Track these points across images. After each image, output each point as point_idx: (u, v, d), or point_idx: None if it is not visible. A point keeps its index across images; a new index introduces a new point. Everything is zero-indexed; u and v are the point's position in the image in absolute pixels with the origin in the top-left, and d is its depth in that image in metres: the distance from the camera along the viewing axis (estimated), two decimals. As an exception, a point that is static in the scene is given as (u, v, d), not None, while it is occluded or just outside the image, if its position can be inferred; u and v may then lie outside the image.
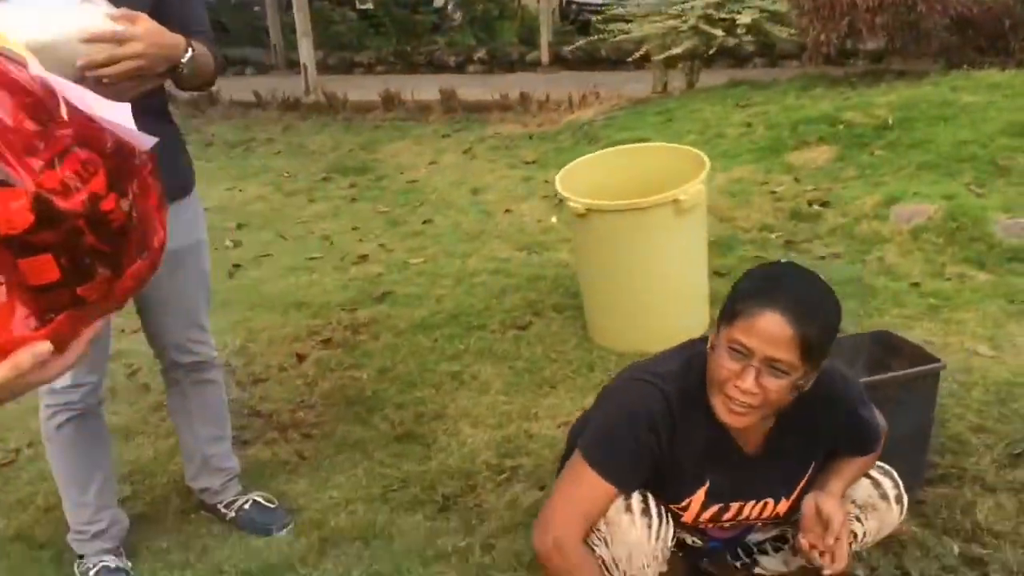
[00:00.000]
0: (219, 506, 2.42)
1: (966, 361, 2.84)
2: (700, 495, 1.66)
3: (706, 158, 3.12)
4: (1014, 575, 1.97)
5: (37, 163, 0.69)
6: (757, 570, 1.92)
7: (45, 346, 0.74)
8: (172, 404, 2.40)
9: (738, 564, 1.95)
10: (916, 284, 3.42)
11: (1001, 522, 2.12)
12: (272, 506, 2.44)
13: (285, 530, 2.37)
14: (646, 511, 1.62)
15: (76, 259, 0.73)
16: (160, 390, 2.87)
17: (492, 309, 3.63)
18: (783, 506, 1.71)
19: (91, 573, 2.20)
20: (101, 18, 1.50)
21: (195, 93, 1.97)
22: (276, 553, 2.28)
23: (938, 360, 2.21)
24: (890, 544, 2.08)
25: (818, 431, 1.66)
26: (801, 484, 1.70)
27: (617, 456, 1.59)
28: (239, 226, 5.10)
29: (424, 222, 4.95)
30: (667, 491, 1.65)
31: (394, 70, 10.59)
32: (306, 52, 8.97)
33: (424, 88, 8.25)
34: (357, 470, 2.64)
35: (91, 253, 0.74)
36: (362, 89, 8.69)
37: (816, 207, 4.17)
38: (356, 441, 2.79)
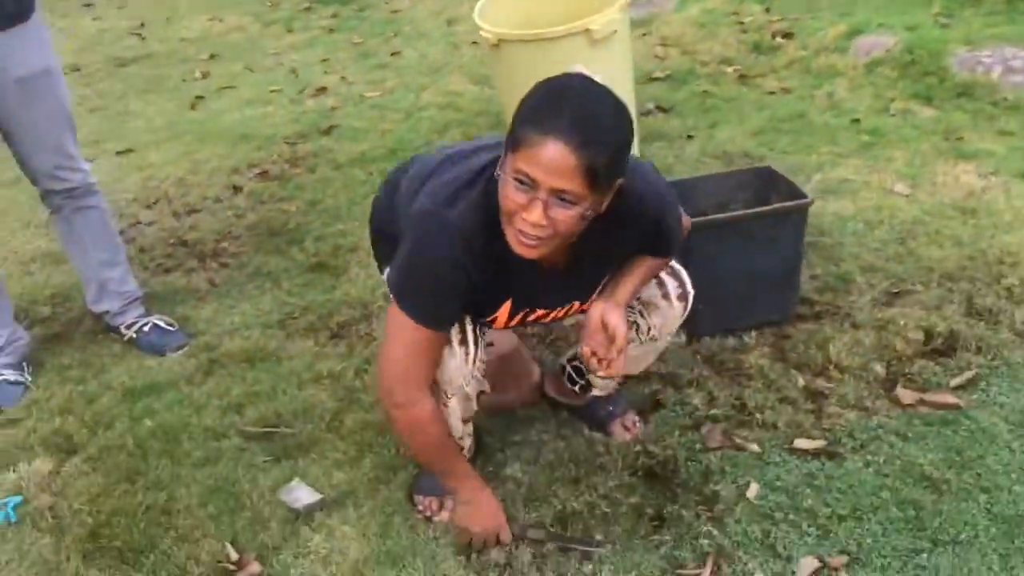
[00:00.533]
0: (121, 327, 2.54)
1: (879, 200, 2.78)
2: (505, 308, 1.67)
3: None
4: (850, 407, 2.01)
5: None
6: (593, 392, 1.99)
7: None
8: (60, 231, 2.49)
9: (576, 388, 2.02)
10: (856, 120, 3.31)
11: (853, 357, 2.14)
12: (171, 329, 2.55)
13: (180, 352, 2.49)
14: (463, 341, 1.67)
15: None
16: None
17: (432, 144, 3.62)
18: (588, 303, 1.71)
19: (-9, 384, 2.36)
20: None
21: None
22: (165, 372, 2.40)
23: (806, 197, 2.17)
24: (736, 376, 2.13)
25: (619, 243, 1.65)
26: (600, 286, 1.71)
27: (430, 300, 1.58)
28: (211, 57, 5.08)
29: (392, 54, 4.88)
30: (474, 309, 1.66)
31: None
32: None
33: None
34: (264, 298, 2.73)
35: None
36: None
37: (779, 39, 3.99)
38: (269, 272, 2.88)
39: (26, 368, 2.43)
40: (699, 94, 3.70)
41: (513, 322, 1.72)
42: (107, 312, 2.54)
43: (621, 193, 1.48)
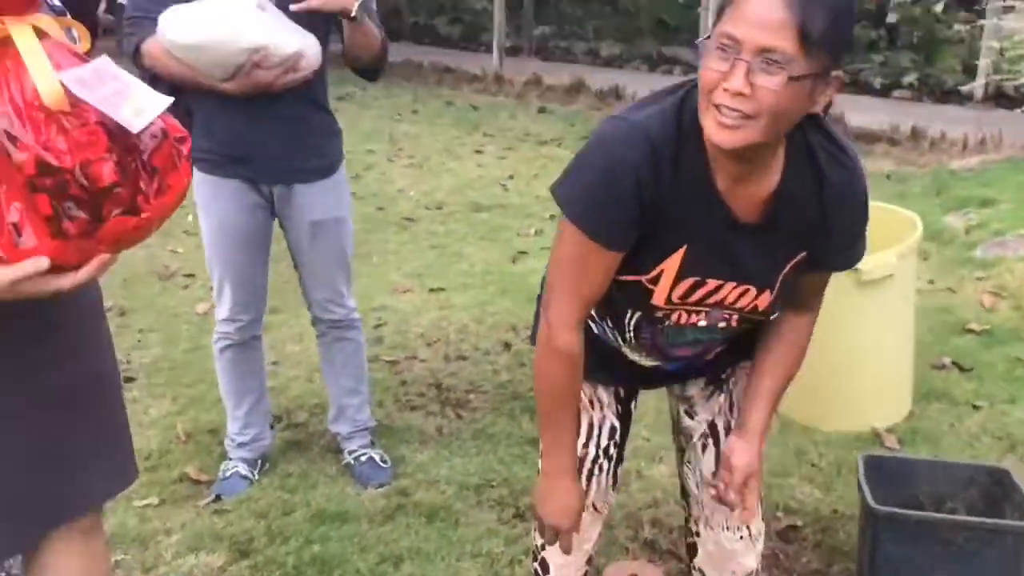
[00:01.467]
0: (345, 451, 2.82)
1: None
2: (675, 260, 1.43)
3: (919, 225, 2.78)
4: None
5: (49, 130, 1.08)
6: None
7: (44, 261, 1.09)
8: (321, 353, 2.83)
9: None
10: None
11: None
12: (384, 466, 2.77)
13: (379, 489, 2.69)
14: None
15: (62, 202, 1.10)
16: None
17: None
18: (764, 299, 1.48)
19: (227, 473, 2.72)
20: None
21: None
22: (357, 504, 2.61)
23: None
24: None
25: (819, 213, 1.43)
26: (783, 276, 1.48)
27: (601, 209, 1.38)
28: (550, 216, 5.49)
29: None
30: (641, 256, 1.44)
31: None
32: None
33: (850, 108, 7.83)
34: (477, 458, 2.86)
35: (74, 200, 1.11)
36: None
37: None
38: (493, 434, 3.01)
39: (259, 466, 2.77)
40: (1012, 360, 3.27)
41: (678, 291, 1.47)
42: (339, 434, 2.84)
43: (847, 156, 1.42)
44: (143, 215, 1.17)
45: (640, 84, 8.93)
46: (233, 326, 2.60)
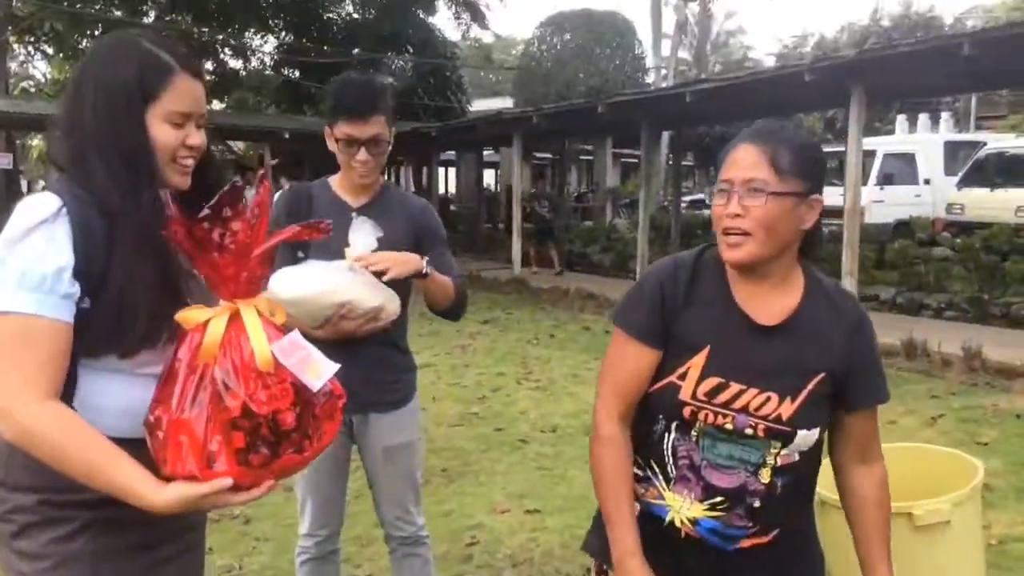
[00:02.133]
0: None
1: None
2: (701, 358, 1.69)
3: (980, 472, 2.79)
4: None
5: (255, 385, 1.49)
6: None
7: (227, 481, 1.42)
8: (392, 565, 3.03)
9: None
10: None
11: None
12: None
13: None
14: None
15: (253, 440, 1.49)
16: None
17: None
18: (786, 408, 1.66)
19: None
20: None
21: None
22: None
23: None
24: None
25: (833, 330, 1.69)
26: (806, 392, 1.67)
27: (634, 308, 1.76)
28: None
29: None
30: (669, 359, 1.72)
31: (964, 317, 9.99)
32: (848, 288, 9.15)
33: (995, 343, 7.82)
34: None
35: (261, 439, 1.50)
36: (894, 333, 8.51)
37: None
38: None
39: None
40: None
41: (703, 387, 1.69)
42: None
43: (839, 290, 1.76)
44: (305, 454, 1.51)
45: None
46: (312, 540, 2.87)
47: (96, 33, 19.94)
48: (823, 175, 1.71)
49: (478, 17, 25.76)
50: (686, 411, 1.71)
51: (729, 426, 1.69)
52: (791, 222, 1.63)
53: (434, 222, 2.82)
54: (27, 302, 1.42)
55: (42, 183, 23.59)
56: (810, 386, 1.68)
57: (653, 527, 1.79)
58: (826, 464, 3.21)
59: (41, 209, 1.47)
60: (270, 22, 24.48)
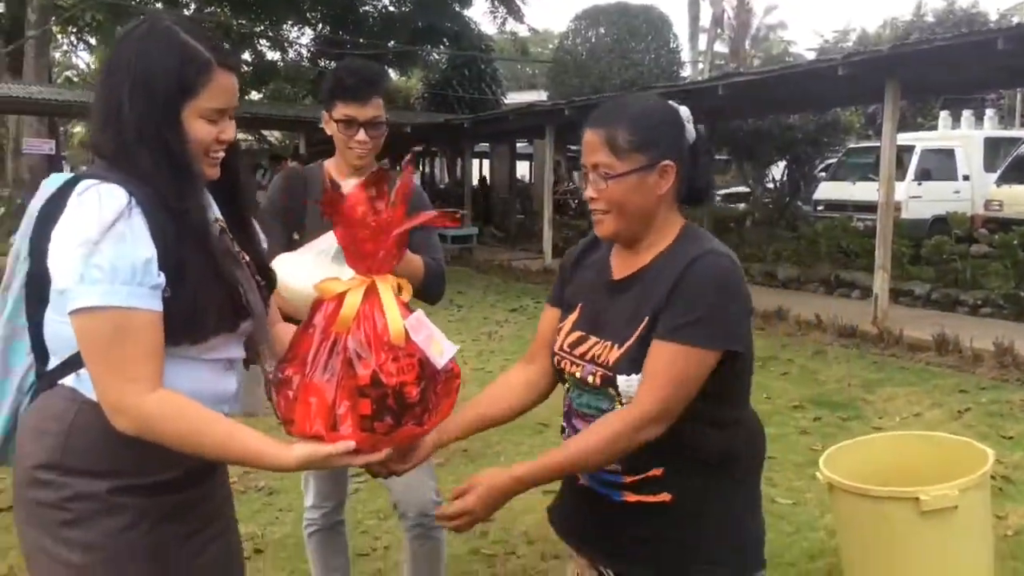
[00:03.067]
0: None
1: None
2: (575, 314, 1.87)
3: (990, 459, 2.77)
4: None
5: (386, 356, 1.57)
6: None
7: (350, 444, 1.48)
8: (406, 546, 2.92)
9: None
10: None
11: None
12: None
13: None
14: None
15: (378, 408, 1.56)
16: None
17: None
18: (613, 354, 1.73)
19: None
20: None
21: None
22: None
23: None
24: None
25: (669, 276, 1.70)
26: (633, 338, 1.70)
27: (555, 283, 2.00)
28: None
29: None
30: (562, 318, 1.91)
31: (1000, 315, 9.84)
32: (880, 283, 9.08)
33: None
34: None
35: (387, 409, 1.57)
36: (927, 328, 8.42)
37: None
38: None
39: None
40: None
41: (569, 339, 1.85)
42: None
43: (699, 241, 1.76)
44: (424, 427, 1.59)
45: (809, 306, 9.03)
46: (318, 512, 2.92)
47: (137, 23, 20.22)
48: (670, 137, 1.76)
49: (514, 11, 25.78)
50: (557, 362, 1.86)
51: (579, 375, 1.80)
52: (642, 194, 1.73)
53: (422, 202, 2.77)
54: (123, 295, 1.41)
55: (83, 168, 23.97)
56: (637, 331, 1.71)
57: (568, 482, 1.91)
58: (840, 447, 3.23)
59: (114, 200, 1.45)
60: (308, 15, 24.68)
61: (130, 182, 1.49)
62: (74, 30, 22.41)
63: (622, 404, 1.72)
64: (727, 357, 1.72)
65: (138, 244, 1.44)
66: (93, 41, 23.93)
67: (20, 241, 1.58)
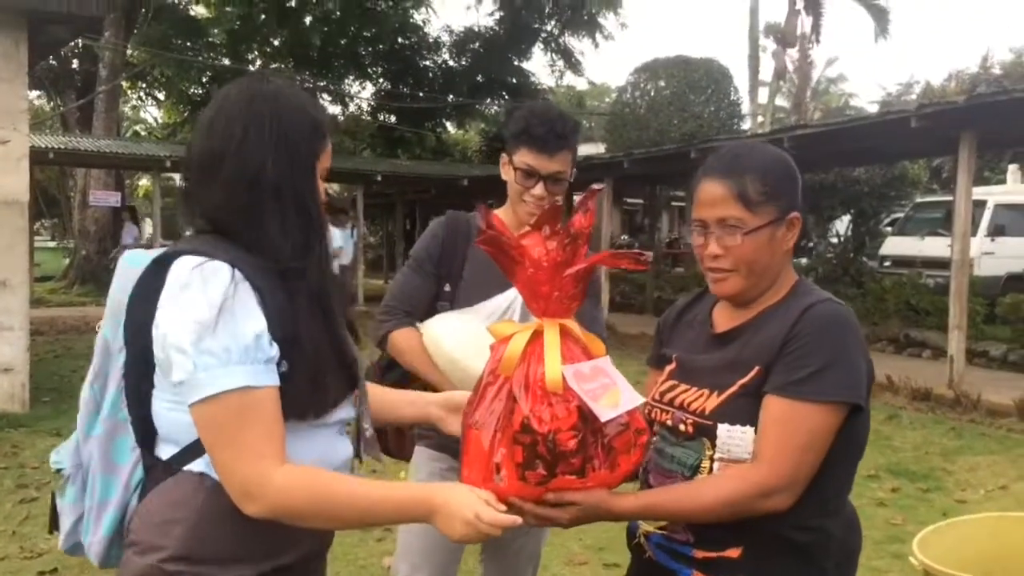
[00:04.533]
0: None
1: None
2: (670, 367, 1.74)
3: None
4: None
5: (540, 402, 1.47)
6: None
7: (518, 520, 1.40)
8: None
9: None
10: None
11: None
12: None
13: None
14: None
15: (529, 456, 1.47)
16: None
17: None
18: (711, 402, 1.60)
19: None
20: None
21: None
22: None
23: None
24: None
25: (778, 328, 1.58)
26: (736, 386, 1.58)
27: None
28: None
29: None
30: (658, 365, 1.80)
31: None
32: (955, 344, 8.66)
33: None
34: None
35: (538, 456, 1.47)
36: (1006, 392, 7.98)
37: None
38: None
39: None
40: None
41: (659, 392, 1.73)
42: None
43: (823, 304, 1.57)
44: (586, 480, 1.47)
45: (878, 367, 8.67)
46: None
47: (203, 79, 20.78)
48: (797, 187, 1.65)
49: (572, 64, 25.94)
50: (648, 412, 1.73)
51: (669, 422, 1.68)
52: (772, 249, 1.61)
53: (597, 279, 2.56)
54: (239, 376, 1.35)
55: (148, 221, 24.58)
56: (741, 380, 1.59)
57: (636, 554, 1.75)
58: (934, 529, 2.94)
59: (218, 278, 1.38)
60: (368, 70, 25.15)
61: (231, 252, 1.41)
62: (143, 85, 23.11)
63: (713, 462, 1.57)
64: (846, 420, 1.55)
65: (247, 319, 1.38)
66: (161, 96, 24.65)
67: (111, 331, 1.50)
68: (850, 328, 1.56)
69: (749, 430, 1.55)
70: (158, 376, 1.43)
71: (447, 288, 2.40)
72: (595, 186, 1.58)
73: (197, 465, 1.44)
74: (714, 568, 1.59)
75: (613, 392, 1.47)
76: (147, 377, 1.45)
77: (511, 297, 2.29)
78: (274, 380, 1.38)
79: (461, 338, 2.21)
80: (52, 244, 32.20)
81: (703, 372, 1.67)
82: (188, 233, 1.52)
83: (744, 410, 1.56)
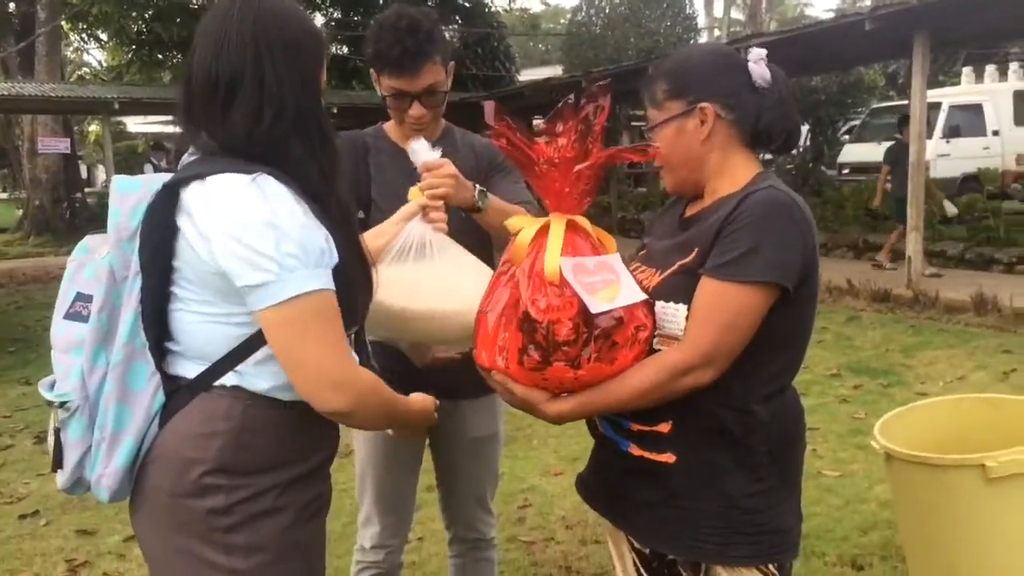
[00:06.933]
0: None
1: None
2: (641, 253, 1.82)
3: (1064, 425, 2.57)
4: None
5: (540, 292, 1.48)
6: None
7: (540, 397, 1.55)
8: (453, 572, 2.64)
9: None
10: None
11: None
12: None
13: None
14: None
15: (527, 341, 1.48)
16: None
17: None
18: (654, 279, 1.66)
19: None
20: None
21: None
22: None
23: None
24: None
25: (725, 213, 1.59)
26: (676, 265, 1.63)
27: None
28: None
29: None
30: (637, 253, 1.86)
31: (1036, 272, 9.58)
32: (913, 245, 8.82)
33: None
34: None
35: (535, 343, 1.48)
36: (963, 288, 8.18)
37: None
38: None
39: None
40: None
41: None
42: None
43: (766, 189, 1.59)
44: (580, 372, 1.50)
45: (839, 272, 8.82)
46: (382, 553, 2.46)
47: (146, 16, 20.11)
48: (710, 78, 1.67)
49: (524, -16, 25.42)
50: None
51: None
52: (683, 143, 1.67)
53: (505, 157, 2.34)
54: (322, 278, 1.39)
55: (101, 167, 24.00)
56: (681, 261, 1.63)
57: (592, 431, 1.81)
58: (895, 415, 3.04)
59: (277, 188, 1.38)
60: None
61: (265, 172, 1.40)
62: (84, 26, 22.32)
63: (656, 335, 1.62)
64: (778, 304, 1.57)
65: (314, 227, 1.41)
66: (104, 37, 23.86)
67: (118, 259, 1.46)
68: (787, 212, 1.55)
69: (682, 307, 1.58)
70: (190, 292, 1.43)
71: (360, 215, 2.23)
72: (602, 83, 1.59)
73: (229, 379, 1.45)
74: (648, 441, 1.63)
75: (613, 287, 1.51)
76: (167, 297, 1.45)
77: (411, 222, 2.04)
78: (333, 285, 1.42)
79: (395, 290, 1.91)
80: (3, 196, 31.45)
81: (658, 255, 1.73)
82: (190, 155, 1.48)
83: (679, 288, 1.60)
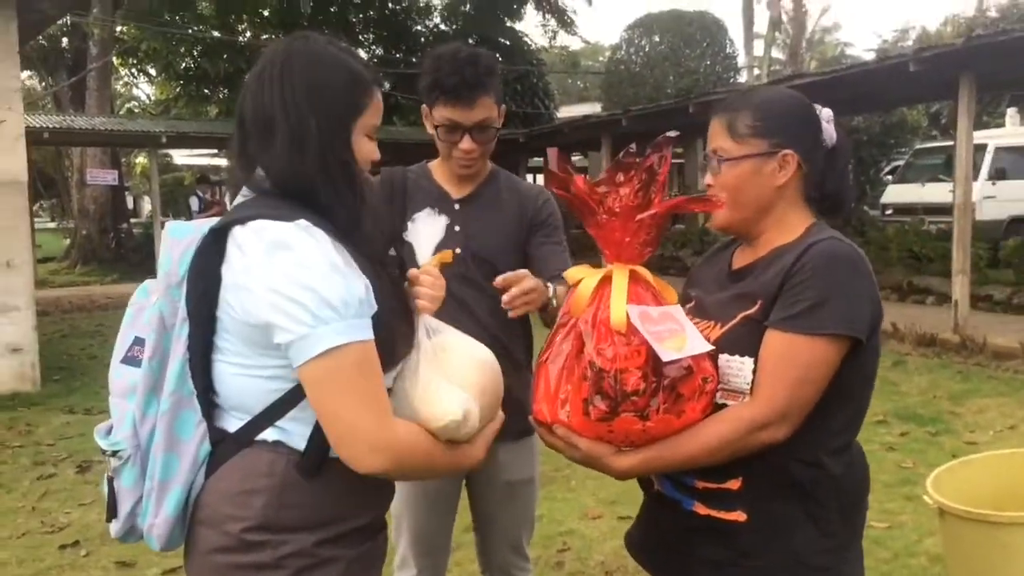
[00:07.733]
0: None
1: None
2: (689, 306, 1.75)
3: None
4: None
5: (607, 341, 1.47)
6: None
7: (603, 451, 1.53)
8: None
9: None
10: None
11: None
12: None
13: None
14: None
15: (593, 392, 1.46)
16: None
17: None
18: (714, 333, 1.62)
19: None
20: None
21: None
22: None
23: None
24: None
25: (784, 264, 1.58)
26: (739, 317, 1.60)
27: None
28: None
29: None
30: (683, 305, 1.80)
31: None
32: (959, 289, 8.66)
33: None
34: None
35: (602, 393, 1.49)
36: (1011, 334, 8.00)
37: None
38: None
39: None
40: None
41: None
42: None
43: (828, 241, 1.56)
44: (648, 423, 1.48)
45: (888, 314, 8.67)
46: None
47: (194, 52, 20.58)
48: (796, 128, 1.66)
49: (565, 22, 25.66)
50: None
51: None
52: (759, 182, 1.63)
53: (550, 213, 2.42)
54: (360, 329, 1.36)
55: (147, 199, 24.44)
56: (743, 313, 1.60)
57: (645, 488, 1.78)
58: (947, 468, 2.96)
59: (318, 236, 1.38)
60: (360, 36, 24.87)
61: (305, 215, 1.40)
62: (134, 62, 22.89)
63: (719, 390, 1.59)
64: (848, 356, 1.54)
65: (355, 276, 1.40)
66: (154, 72, 24.45)
67: (167, 305, 1.46)
68: (852, 264, 1.55)
69: (748, 360, 1.55)
70: (227, 342, 1.42)
71: (391, 252, 2.19)
72: (670, 133, 1.57)
73: (269, 435, 1.43)
74: (715, 499, 1.59)
75: (679, 336, 1.48)
76: (211, 347, 1.43)
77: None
78: (372, 335, 1.39)
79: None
80: (52, 225, 32.11)
81: (714, 307, 1.69)
82: (242, 197, 1.49)
83: (743, 340, 1.57)
